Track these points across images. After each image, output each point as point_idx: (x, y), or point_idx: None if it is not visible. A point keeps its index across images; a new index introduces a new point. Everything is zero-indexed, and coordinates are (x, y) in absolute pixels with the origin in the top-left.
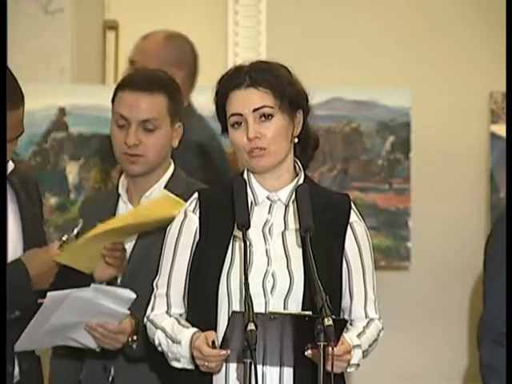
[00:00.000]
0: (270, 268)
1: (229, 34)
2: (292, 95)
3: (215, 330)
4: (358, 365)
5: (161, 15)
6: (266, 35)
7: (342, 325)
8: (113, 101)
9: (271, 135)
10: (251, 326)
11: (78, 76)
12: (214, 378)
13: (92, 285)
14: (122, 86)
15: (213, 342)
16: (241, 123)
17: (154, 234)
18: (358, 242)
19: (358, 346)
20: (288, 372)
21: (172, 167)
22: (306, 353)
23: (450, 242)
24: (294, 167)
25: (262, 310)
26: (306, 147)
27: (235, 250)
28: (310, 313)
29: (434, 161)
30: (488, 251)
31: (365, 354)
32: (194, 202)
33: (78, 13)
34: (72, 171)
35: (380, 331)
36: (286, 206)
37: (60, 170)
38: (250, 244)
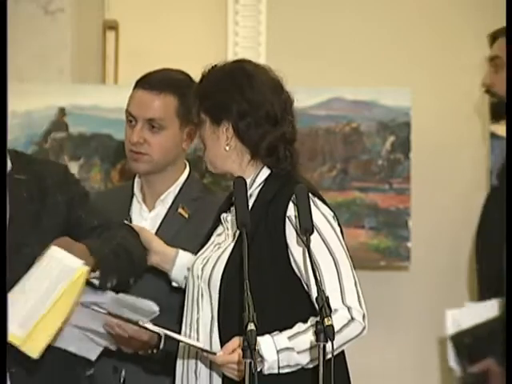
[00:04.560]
0: (208, 255)
1: (229, 34)
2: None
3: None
4: (295, 365)
5: (161, 15)
6: (265, 35)
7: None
8: None
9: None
10: (251, 326)
11: (78, 76)
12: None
13: (110, 294)
14: (136, 85)
15: None
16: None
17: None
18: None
19: (286, 348)
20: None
21: (187, 170)
22: None
23: (449, 242)
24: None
25: (196, 292)
26: (256, 152)
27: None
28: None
29: (433, 161)
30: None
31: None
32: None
33: (78, 13)
34: (72, 171)
35: (349, 321)
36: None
37: None
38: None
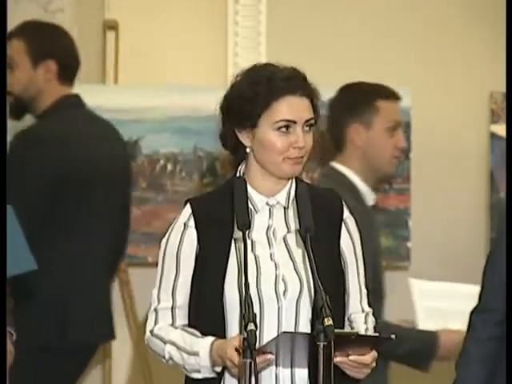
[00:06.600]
0: (279, 272)
1: (229, 34)
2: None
3: (225, 338)
4: None
5: (161, 15)
6: (265, 35)
7: (386, 343)
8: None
9: (309, 146)
10: (251, 326)
11: (78, 76)
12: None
13: None
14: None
15: (237, 349)
16: (288, 128)
17: None
18: (351, 237)
19: None
20: (299, 372)
21: None
22: (334, 360)
23: (449, 242)
24: None
25: (276, 315)
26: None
27: (241, 257)
28: (377, 334)
29: (433, 161)
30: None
31: None
32: (189, 213)
33: (78, 13)
34: None
35: (374, 325)
36: (285, 209)
37: None
38: (254, 249)
